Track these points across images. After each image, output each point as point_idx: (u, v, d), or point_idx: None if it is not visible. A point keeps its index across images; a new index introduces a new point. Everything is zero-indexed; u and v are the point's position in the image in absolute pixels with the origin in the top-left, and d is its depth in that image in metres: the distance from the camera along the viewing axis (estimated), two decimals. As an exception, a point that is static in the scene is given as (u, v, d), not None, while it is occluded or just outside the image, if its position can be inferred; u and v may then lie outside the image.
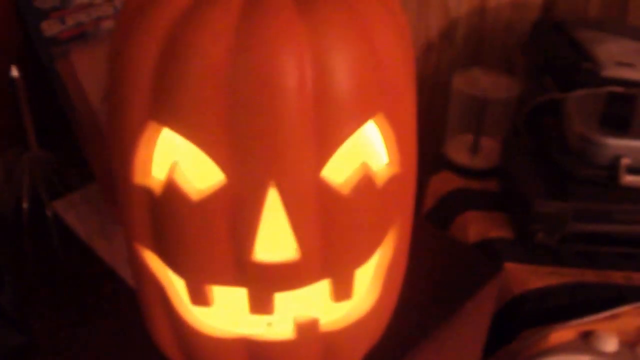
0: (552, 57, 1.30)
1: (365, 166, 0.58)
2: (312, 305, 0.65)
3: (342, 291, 0.63)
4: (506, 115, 1.42)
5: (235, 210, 0.56)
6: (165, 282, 0.65)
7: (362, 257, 0.62)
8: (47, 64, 0.91)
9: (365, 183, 0.58)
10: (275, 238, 0.58)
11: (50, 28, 0.91)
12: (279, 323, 0.65)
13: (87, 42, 0.92)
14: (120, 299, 0.83)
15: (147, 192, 0.59)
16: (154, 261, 0.64)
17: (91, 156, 0.92)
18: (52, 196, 0.93)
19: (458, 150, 1.46)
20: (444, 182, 1.42)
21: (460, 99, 1.44)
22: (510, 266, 1.16)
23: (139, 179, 0.59)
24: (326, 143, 0.54)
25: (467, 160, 1.43)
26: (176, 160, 0.57)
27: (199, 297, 0.62)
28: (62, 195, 0.93)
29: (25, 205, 0.90)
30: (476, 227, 1.26)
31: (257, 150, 0.53)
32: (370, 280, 0.67)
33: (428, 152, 1.61)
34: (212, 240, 0.57)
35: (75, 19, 0.92)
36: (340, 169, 0.58)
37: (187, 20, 0.53)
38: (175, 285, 0.65)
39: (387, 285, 0.68)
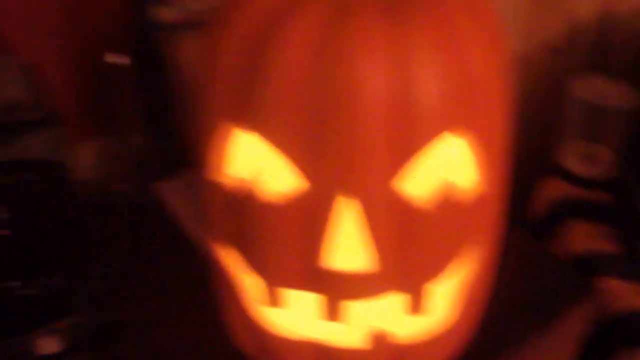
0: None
1: (446, 182, 0.56)
2: (386, 316, 0.64)
3: (413, 304, 0.62)
4: (625, 126, 1.36)
5: (308, 215, 0.56)
6: (237, 279, 0.66)
7: (432, 273, 0.61)
8: (157, 51, 0.91)
9: (445, 199, 0.56)
10: (346, 246, 0.58)
11: (162, 14, 0.90)
12: (350, 331, 0.65)
13: (200, 30, 0.91)
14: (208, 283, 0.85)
15: (224, 189, 0.60)
16: (229, 257, 0.65)
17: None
18: (150, 182, 0.94)
19: (570, 158, 1.41)
20: (553, 189, 1.38)
21: (578, 105, 1.39)
22: (613, 282, 1.12)
23: (217, 175, 0.60)
24: (400, 152, 0.53)
25: (579, 169, 1.39)
26: (255, 161, 0.57)
27: (274, 299, 0.63)
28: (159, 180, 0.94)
29: (119, 188, 0.91)
30: (582, 238, 1.22)
31: (329, 156, 0.53)
32: (449, 297, 0.66)
33: (537, 156, 1.57)
34: (286, 243, 0.58)
35: (188, 5, 0.91)
36: (420, 183, 0.56)
37: (274, 24, 0.53)
38: (246, 283, 0.65)
39: (468, 304, 0.67)
